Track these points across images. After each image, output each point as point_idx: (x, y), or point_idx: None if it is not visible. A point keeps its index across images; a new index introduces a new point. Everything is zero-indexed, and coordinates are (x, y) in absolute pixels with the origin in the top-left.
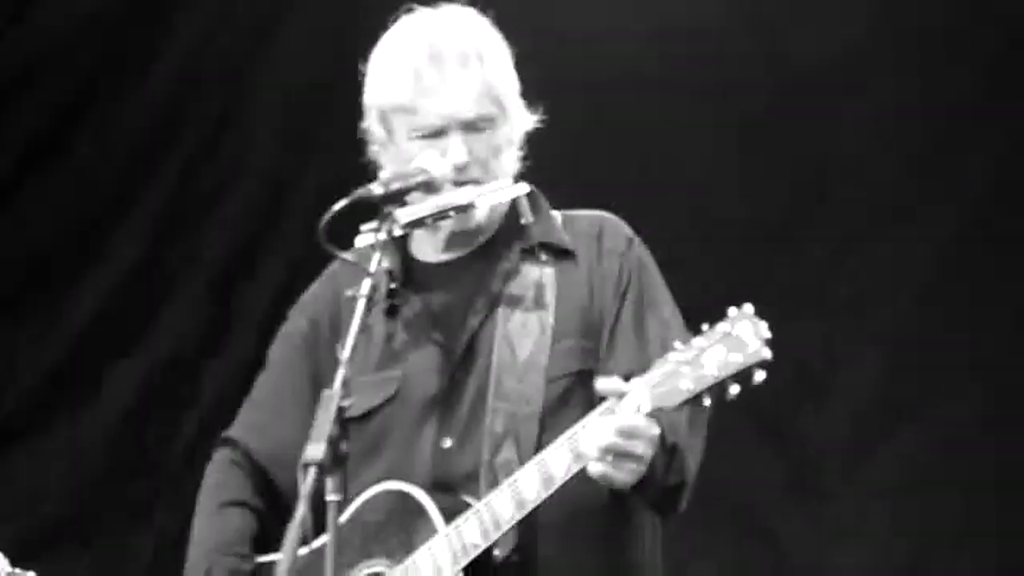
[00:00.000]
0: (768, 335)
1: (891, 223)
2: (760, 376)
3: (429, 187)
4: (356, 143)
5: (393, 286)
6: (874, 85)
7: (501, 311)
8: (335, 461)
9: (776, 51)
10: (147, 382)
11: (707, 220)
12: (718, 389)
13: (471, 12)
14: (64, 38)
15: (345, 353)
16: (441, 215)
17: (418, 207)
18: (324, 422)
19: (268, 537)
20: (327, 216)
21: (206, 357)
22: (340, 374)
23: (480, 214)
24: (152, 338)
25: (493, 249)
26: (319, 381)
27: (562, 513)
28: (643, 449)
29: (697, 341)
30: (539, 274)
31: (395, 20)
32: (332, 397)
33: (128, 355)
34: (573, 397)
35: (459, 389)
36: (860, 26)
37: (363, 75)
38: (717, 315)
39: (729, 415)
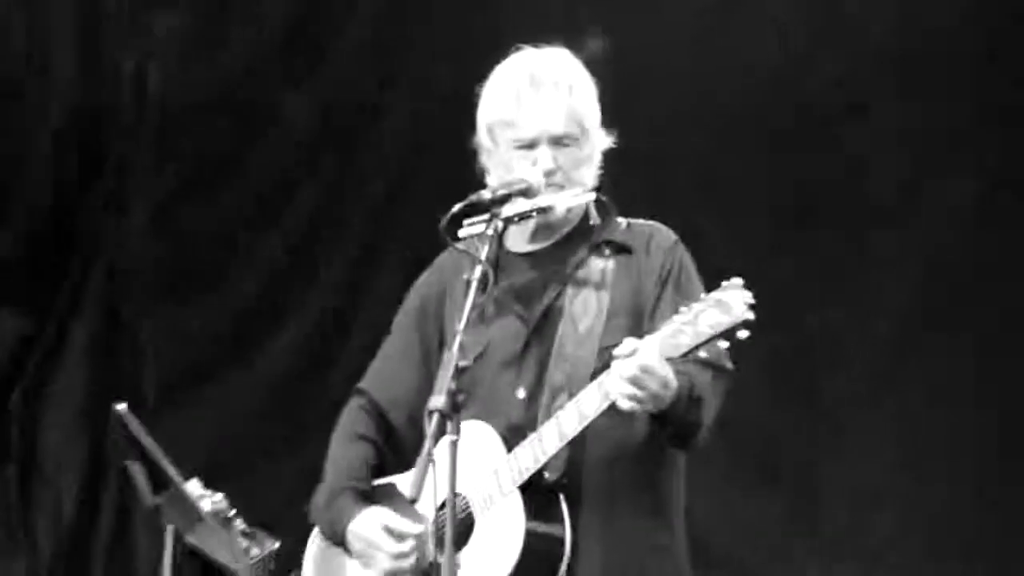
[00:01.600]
0: (751, 300)
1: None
2: (744, 334)
3: (527, 193)
4: (467, 154)
5: (488, 269)
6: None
7: (569, 292)
8: (453, 408)
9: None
10: (302, 347)
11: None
12: (712, 343)
13: (566, 52)
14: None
15: (460, 325)
16: (526, 214)
17: (512, 207)
18: (445, 378)
19: (384, 464)
20: (447, 215)
21: (348, 326)
22: (457, 341)
23: (557, 214)
24: (307, 312)
25: (568, 243)
26: (426, 345)
27: (605, 449)
28: (656, 385)
29: (696, 306)
30: (602, 265)
31: (508, 56)
32: (452, 358)
33: (286, 325)
34: None
35: (531, 351)
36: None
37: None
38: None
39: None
